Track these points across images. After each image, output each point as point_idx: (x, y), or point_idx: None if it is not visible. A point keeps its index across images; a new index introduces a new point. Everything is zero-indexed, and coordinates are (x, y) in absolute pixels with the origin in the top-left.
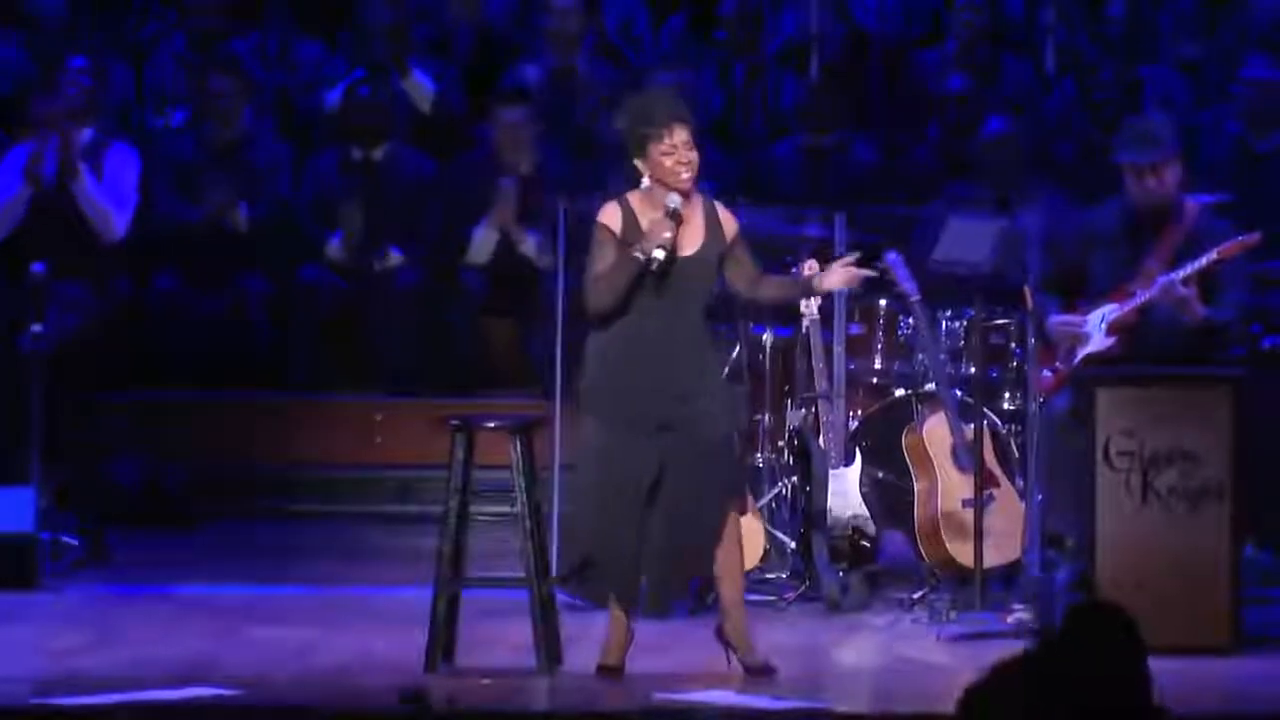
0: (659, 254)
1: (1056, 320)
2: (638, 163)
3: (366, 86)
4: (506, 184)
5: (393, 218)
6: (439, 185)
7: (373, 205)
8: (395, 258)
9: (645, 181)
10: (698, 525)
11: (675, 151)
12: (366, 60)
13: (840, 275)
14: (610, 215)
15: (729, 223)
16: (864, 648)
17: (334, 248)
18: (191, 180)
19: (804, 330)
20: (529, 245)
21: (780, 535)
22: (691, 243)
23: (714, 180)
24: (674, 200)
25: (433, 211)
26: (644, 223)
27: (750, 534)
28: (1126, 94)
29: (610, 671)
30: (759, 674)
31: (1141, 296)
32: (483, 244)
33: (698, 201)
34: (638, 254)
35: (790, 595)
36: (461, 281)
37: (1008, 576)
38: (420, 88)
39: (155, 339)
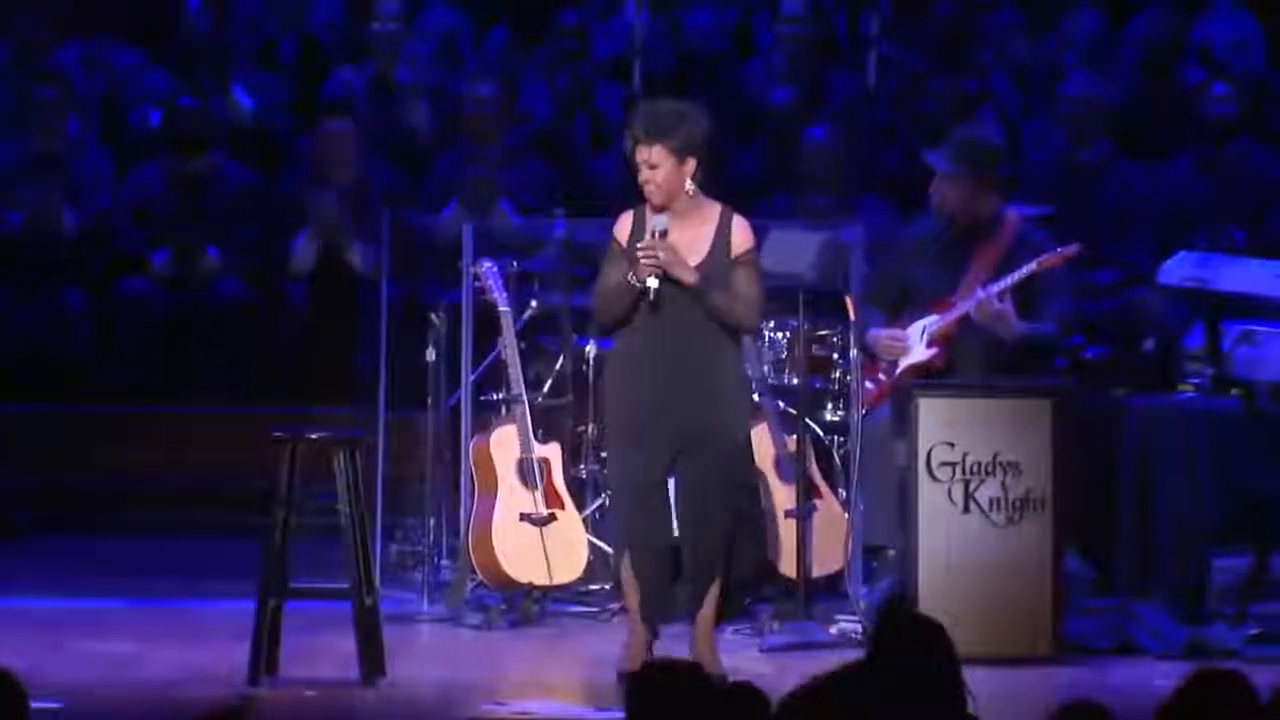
0: (652, 283)
1: (878, 333)
2: None
3: (189, 97)
4: (327, 195)
5: (214, 228)
6: (261, 196)
7: (195, 215)
8: (213, 261)
9: None
10: (706, 533)
11: (639, 171)
12: (188, 73)
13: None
14: (621, 225)
15: (740, 239)
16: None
17: (160, 265)
18: (12, 188)
19: None
20: (354, 255)
21: (604, 546)
22: (693, 257)
23: (538, 191)
24: (659, 223)
25: (254, 222)
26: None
27: (574, 545)
28: (953, 104)
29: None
30: None
31: (961, 308)
32: (304, 254)
33: (711, 213)
34: (633, 281)
35: (615, 606)
36: (284, 292)
37: (830, 587)
38: (238, 105)
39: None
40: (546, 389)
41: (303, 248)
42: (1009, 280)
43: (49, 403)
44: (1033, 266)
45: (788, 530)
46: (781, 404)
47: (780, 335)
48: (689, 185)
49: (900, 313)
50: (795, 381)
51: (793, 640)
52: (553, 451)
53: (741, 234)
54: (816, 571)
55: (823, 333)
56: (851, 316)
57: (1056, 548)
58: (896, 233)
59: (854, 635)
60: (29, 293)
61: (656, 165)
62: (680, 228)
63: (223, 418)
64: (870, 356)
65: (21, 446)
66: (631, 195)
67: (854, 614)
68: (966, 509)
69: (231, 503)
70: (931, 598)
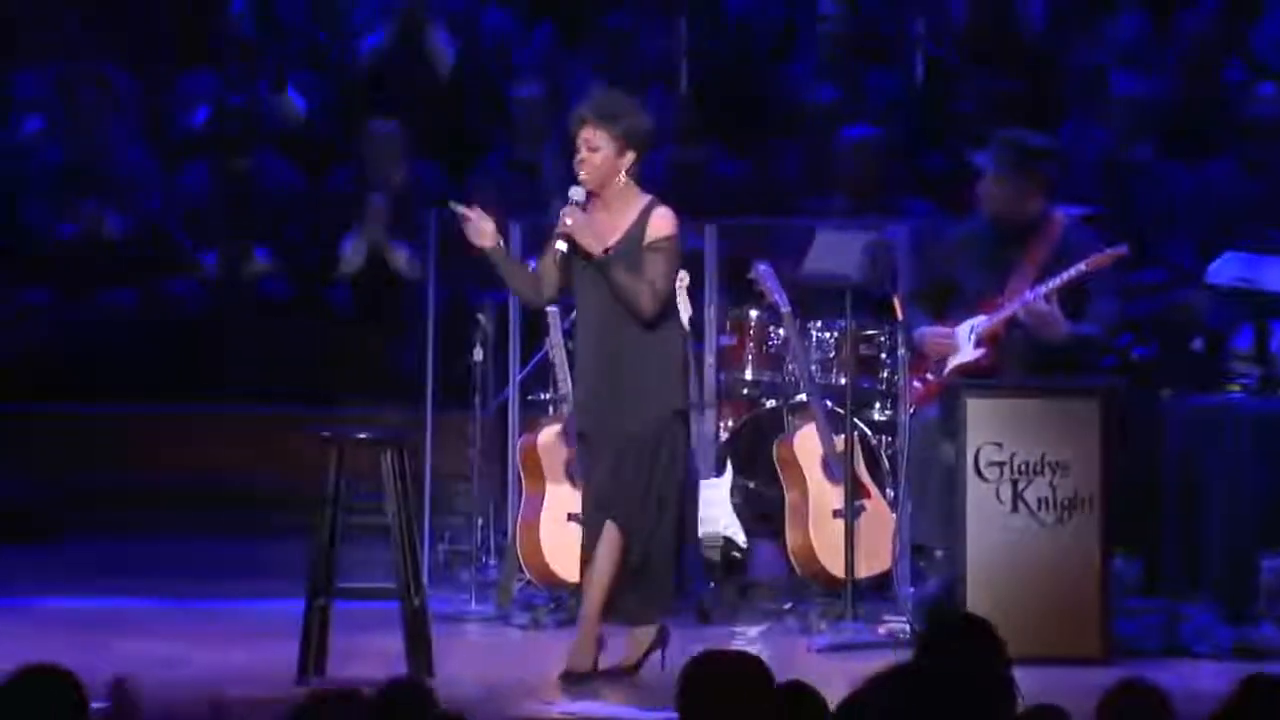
0: (560, 246)
1: (925, 332)
2: None
3: (238, 96)
4: (377, 198)
5: (261, 227)
6: (308, 197)
7: (242, 216)
8: (261, 263)
9: None
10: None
11: (578, 150)
12: (235, 74)
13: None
14: (563, 215)
15: (656, 226)
16: None
17: (209, 267)
18: (59, 193)
19: None
20: (399, 258)
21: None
22: (610, 238)
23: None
24: (576, 193)
25: (300, 222)
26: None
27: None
28: (996, 104)
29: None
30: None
31: (1009, 309)
32: (352, 256)
33: (638, 203)
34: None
35: None
36: (329, 293)
37: (878, 587)
38: (291, 106)
39: (23, 351)
40: None
41: (353, 249)
42: (1057, 281)
43: (87, 403)
44: (1081, 267)
45: (835, 530)
46: (829, 404)
47: (828, 335)
48: (622, 177)
49: (947, 313)
50: (843, 381)
51: (840, 640)
52: None
53: (659, 222)
54: (864, 571)
55: (870, 333)
56: (899, 316)
57: (1104, 548)
58: (943, 233)
59: (902, 635)
60: (75, 294)
61: (597, 148)
62: (605, 213)
63: (267, 419)
64: (917, 356)
65: (73, 448)
66: (678, 196)
67: (902, 614)
68: (1014, 509)
69: (275, 503)
70: (979, 598)
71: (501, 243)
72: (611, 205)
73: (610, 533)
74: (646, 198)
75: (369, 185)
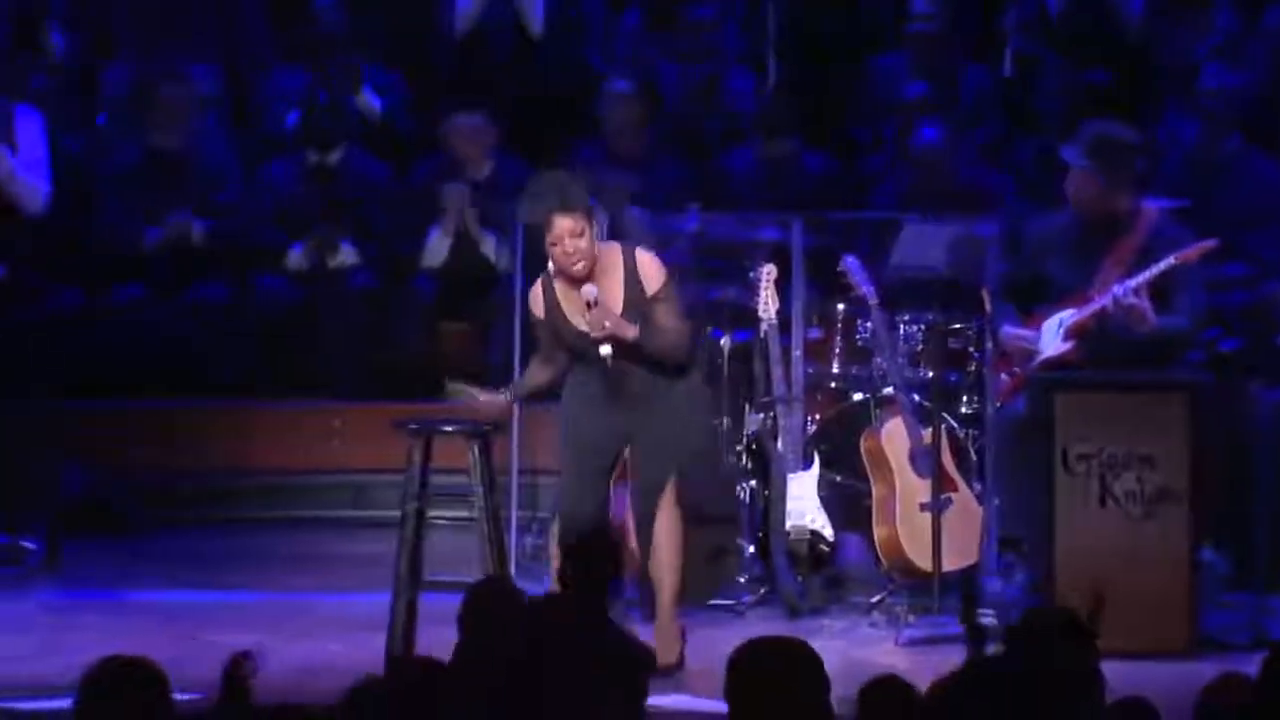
0: (605, 351)
1: (1008, 331)
2: None
3: (324, 92)
4: (459, 187)
5: (348, 220)
6: (394, 189)
7: (329, 208)
8: (348, 253)
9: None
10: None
11: (559, 244)
12: (321, 69)
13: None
14: (534, 299)
15: (651, 277)
16: (822, 652)
17: (295, 257)
18: (140, 192)
19: (762, 335)
20: (488, 245)
21: (738, 539)
22: (618, 308)
23: (670, 187)
24: (590, 293)
25: (386, 215)
26: (562, 299)
27: None
28: (1087, 98)
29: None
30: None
31: (1098, 303)
32: (437, 247)
33: (615, 259)
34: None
35: (748, 600)
36: (414, 285)
37: (966, 580)
38: (368, 105)
39: (110, 347)
40: None
41: (437, 240)
42: (1146, 274)
43: (187, 398)
44: (1171, 261)
45: (922, 523)
46: (916, 397)
47: (915, 328)
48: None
49: (1035, 307)
50: (930, 375)
51: (927, 634)
52: None
53: (651, 270)
54: (951, 565)
55: (957, 326)
56: (987, 310)
57: (1192, 541)
58: (1032, 227)
59: (989, 629)
60: (163, 291)
61: (581, 233)
62: (600, 286)
63: (355, 412)
64: (1002, 350)
65: (160, 443)
66: (765, 190)
67: (989, 608)
68: (1103, 503)
69: (372, 497)
70: (1067, 592)
71: (512, 393)
72: (599, 274)
73: (665, 519)
74: (617, 247)
75: (453, 177)
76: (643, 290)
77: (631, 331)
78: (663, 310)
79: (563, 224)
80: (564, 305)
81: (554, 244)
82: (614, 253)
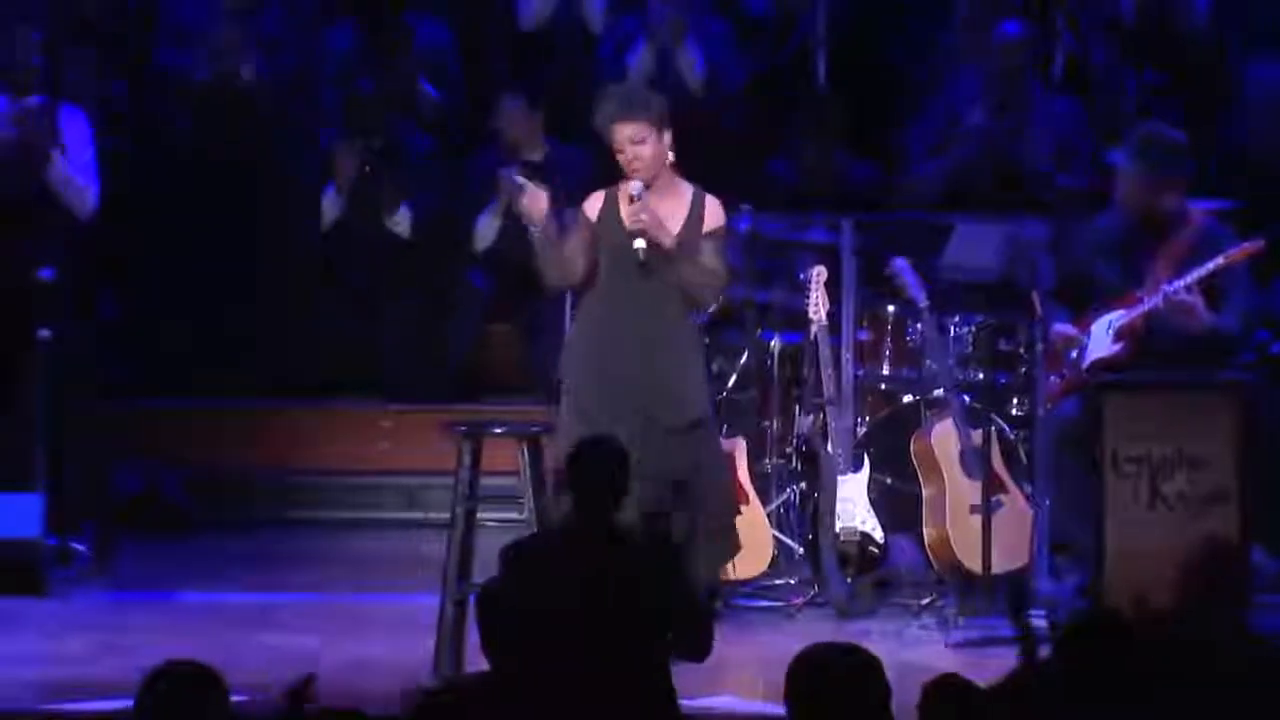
0: (639, 244)
1: (1056, 330)
2: None
3: (368, 80)
4: (509, 171)
5: (403, 188)
6: (448, 173)
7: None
8: (404, 217)
9: None
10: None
11: (622, 150)
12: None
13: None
14: (591, 203)
15: (712, 215)
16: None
17: (329, 200)
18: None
19: (812, 336)
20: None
21: (788, 541)
22: (672, 227)
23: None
24: (635, 187)
25: (436, 195)
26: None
27: (758, 539)
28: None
29: None
30: None
31: (1148, 303)
32: (486, 229)
33: (685, 191)
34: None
35: (798, 601)
36: (467, 281)
37: (1016, 582)
38: (425, 93)
39: (160, 346)
40: (730, 383)
41: (486, 223)
42: (1195, 275)
43: (237, 397)
44: (1219, 261)
45: (973, 525)
46: (966, 399)
47: (965, 330)
48: (669, 159)
49: (1085, 308)
50: (980, 376)
51: (978, 636)
52: (737, 446)
53: (713, 211)
54: (1002, 567)
55: (1007, 327)
56: (1037, 311)
57: (1242, 542)
58: (1081, 228)
59: (1040, 631)
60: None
61: (643, 140)
62: (657, 201)
63: (408, 414)
64: (1054, 351)
65: (209, 442)
66: (815, 187)
67: (1040, 610)
68: (1152, 504)
69: (421, 498)
70: (1117, 594)
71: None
72: (661, 192)
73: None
74: (691, 185)
75: (506, 163)
76: (701, 224)
77: (668, 238)
78: (710, 248)
79: (624, 130)
80: (619, 214)
81: (619, 150)
82: (687, 186)
